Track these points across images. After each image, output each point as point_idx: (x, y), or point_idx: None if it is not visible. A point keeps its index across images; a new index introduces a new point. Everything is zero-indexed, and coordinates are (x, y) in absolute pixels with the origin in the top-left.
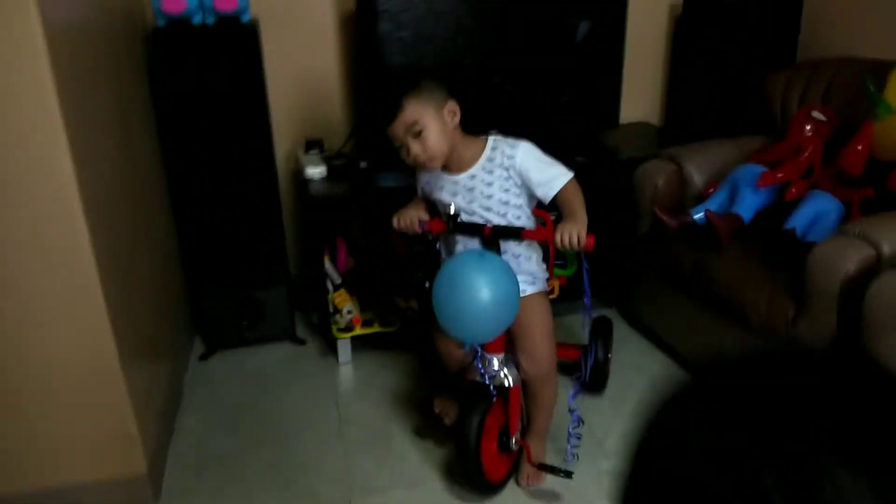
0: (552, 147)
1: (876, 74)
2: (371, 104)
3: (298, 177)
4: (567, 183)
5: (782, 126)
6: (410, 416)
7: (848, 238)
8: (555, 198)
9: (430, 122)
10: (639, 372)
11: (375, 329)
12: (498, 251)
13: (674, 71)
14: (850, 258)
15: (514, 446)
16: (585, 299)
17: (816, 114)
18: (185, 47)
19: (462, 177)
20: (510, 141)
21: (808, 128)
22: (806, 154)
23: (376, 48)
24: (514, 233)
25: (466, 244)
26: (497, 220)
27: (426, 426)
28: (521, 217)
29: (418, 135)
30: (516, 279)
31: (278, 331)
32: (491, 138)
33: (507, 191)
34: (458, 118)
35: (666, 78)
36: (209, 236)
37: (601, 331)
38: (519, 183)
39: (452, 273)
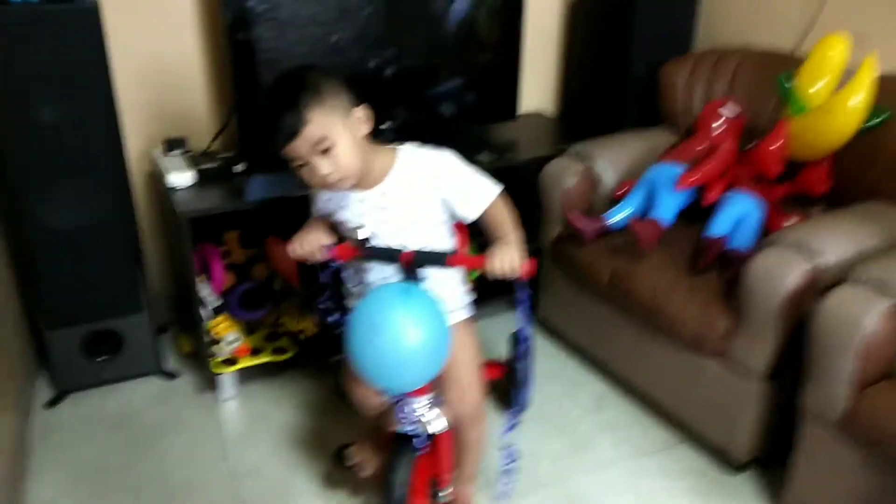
0: (444, 144)
1: (783, 68)
2: (255, 114)
3: (159, 183)
4: (495, 199)
5: (684, 119)
6: (316, 461)
7: (786, 250)
8: (479, 217)
9: (340, 136)
10: (556, 382)
11: (266, 359)
12: (417, 279)
13: (568, 58)
14: (791, 273)
15: (444, 499)
16: (521, 331)
17: (728, 108)
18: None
19: (371, 194)
20: (426, 151)
21: (718, 124)
22: (721, 153)
23: (247, 30)
24: (438, 259)
25: (380, 272)
26: (416, 244)
27: (335, 474)
28: (443, 238)
29: (326, 151)
30: (445, 316)
31: (142, 365)
32: (402, 147)
33: (424, 209)
34: (368, 126)
35: (560, 65)
36: (49, 257)
37: (522, 347)
38: (438, 199)
39: (374, 313)
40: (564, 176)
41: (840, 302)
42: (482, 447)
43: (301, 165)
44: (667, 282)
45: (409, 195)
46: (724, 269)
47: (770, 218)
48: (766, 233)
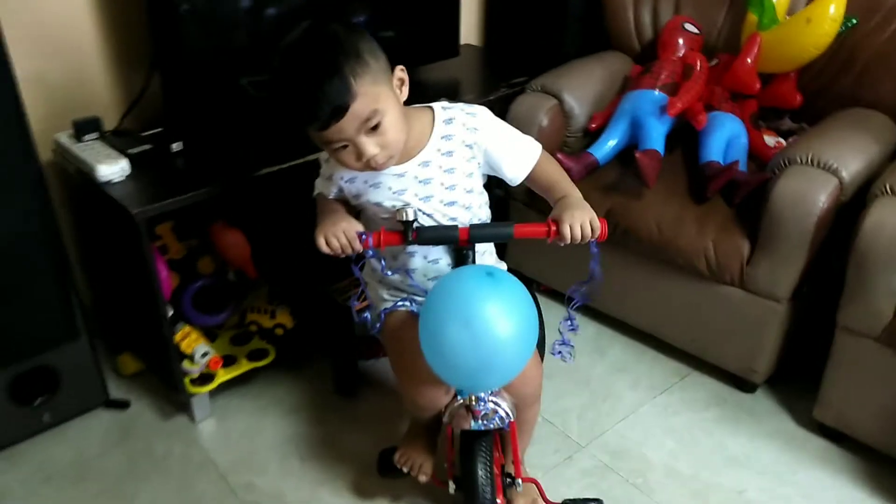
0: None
1: None
2: (269, 87)
3: (78, 178)
4: (540, 157)
5: (635, 41)
6: (337, 472)
7: (810, 168)
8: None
9: (388, 107)
10: (551, 331)
11: (243, 368)
12: (471, 257)
13: None
14: (822, 192)
15: (520, 488)
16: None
17: (689, 26)
18: None
19: (409, 166)
20: (462, 106)
21: (682, 41)
22: (700, 74)
23: None
24: (502, 233)
25: (424, 254)
26: (464, 217)
27: (365, 482)
28: (482, 206)
29: (375, 128)
30: (531, 299)
31: (87, 399)
32: (438, 106)
33: (470, 175)
34: (407, 89)
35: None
36: None
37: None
38: (481, 162)
39: (462, 306)
40: (536, 114)
41: (883, 217)
42: (533, 427)
43: (340, 147)
44: (673, 214)
45: (453, 162)
46: (734, 194)
47: (750, 137)
48: (751, 153)
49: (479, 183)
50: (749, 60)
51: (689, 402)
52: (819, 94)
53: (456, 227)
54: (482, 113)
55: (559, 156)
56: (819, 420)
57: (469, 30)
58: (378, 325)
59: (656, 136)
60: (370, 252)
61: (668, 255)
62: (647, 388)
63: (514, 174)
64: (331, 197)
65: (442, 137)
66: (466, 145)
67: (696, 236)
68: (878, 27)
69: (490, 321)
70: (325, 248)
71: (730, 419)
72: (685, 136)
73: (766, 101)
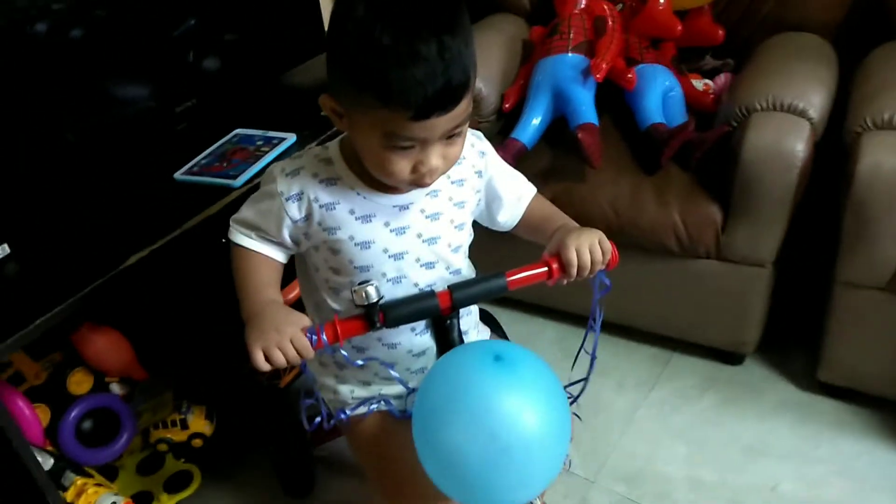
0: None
1: None
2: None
3: None
4: (536, 193)
5: None
6: None
7: (776, 114)
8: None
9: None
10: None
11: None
12: (456, 331)
13: None
14: (797, 141)
15: None
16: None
17: None
18: None
19: (416, 195)
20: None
21: None
22: (615, 27)
23: None
24: (493, 288)
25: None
26: (453, 265)
27: None
28: (465, 250)
29: (452, 136)
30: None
31: None
32: None
33: (472, 213)
34: None
35: None
36: None
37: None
38: (482, 197)
39: (476, 419)
40: None
41: (877, 157)
42: None
43: (400, 147)
44: (627, 192)
45: (464, 194)
46: (690, 157)
47: (682, 85)
48: (687, 103)
49: (469, 220)
50: (662, 1)
51: (682, 393)
52: (739, 24)
53: (432, 293)
54: (482, 138)
55: None
56: (825, 381)
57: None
58: (336, 421)
59: (586, 106)
60: (328, 350)
61: (630, 239)
62: (635, 387)
63: (509, 217)
64: (275, 234)
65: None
66: (476, 172)
67: (659, 212)
68: None
69: (520, 428)
70: (264, 367)
71: (731, 401)
72: (611, 98)
73: (683, 41)
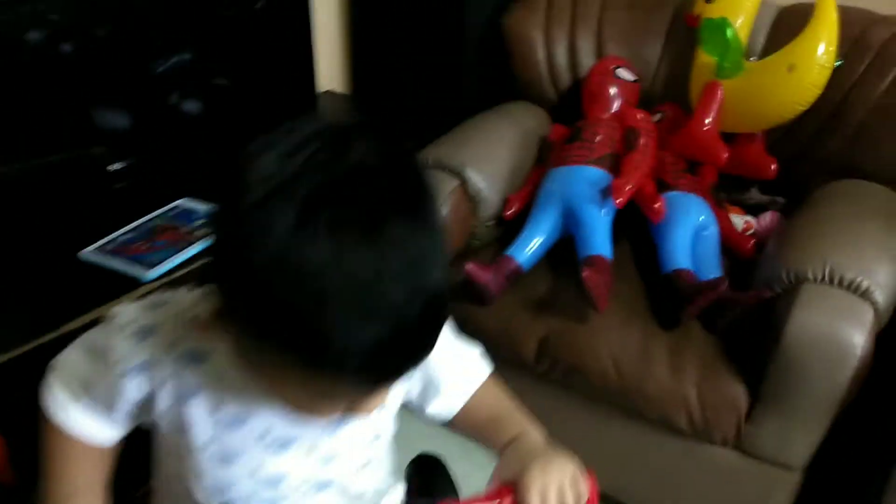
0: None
1: (658, 8)
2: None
3: None
4: (487, 379)
5: (551, 88)
6: None
7: (832, 290)
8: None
9: None
10: None
11: None
12: None
13: (356, 21)
14: (856, 331)
15: None
16: None
17: (623, 71)
18: None
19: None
20: None
21: (615, 92)
22: (648, 142)
23: None
24: None
25: None
26: (352, 489)
27: None
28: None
29: None
30: None
31: None
32: None
33: (394, 415)
34: None
35: (346, 31)
36: None
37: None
38: (411, 387)
39: None
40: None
41: None
42: None
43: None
44: (634, 347)
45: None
46: (717, 316)
47: (720, 223)
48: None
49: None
50: (708, 120)
51: None
52: (796, 159)
53: None
54: None
55: (473, 266)
56: None
57: (331, 71)
58: None
59: (601, 234)
60: None
61: (631, 404)
62: None
63: (443, 408)
64: (105, 407)
65: None
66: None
67: (672, 380)
68: (873, 71)
69: None
70: None
71: None
72: (632, 225)
73: (727, 168)
